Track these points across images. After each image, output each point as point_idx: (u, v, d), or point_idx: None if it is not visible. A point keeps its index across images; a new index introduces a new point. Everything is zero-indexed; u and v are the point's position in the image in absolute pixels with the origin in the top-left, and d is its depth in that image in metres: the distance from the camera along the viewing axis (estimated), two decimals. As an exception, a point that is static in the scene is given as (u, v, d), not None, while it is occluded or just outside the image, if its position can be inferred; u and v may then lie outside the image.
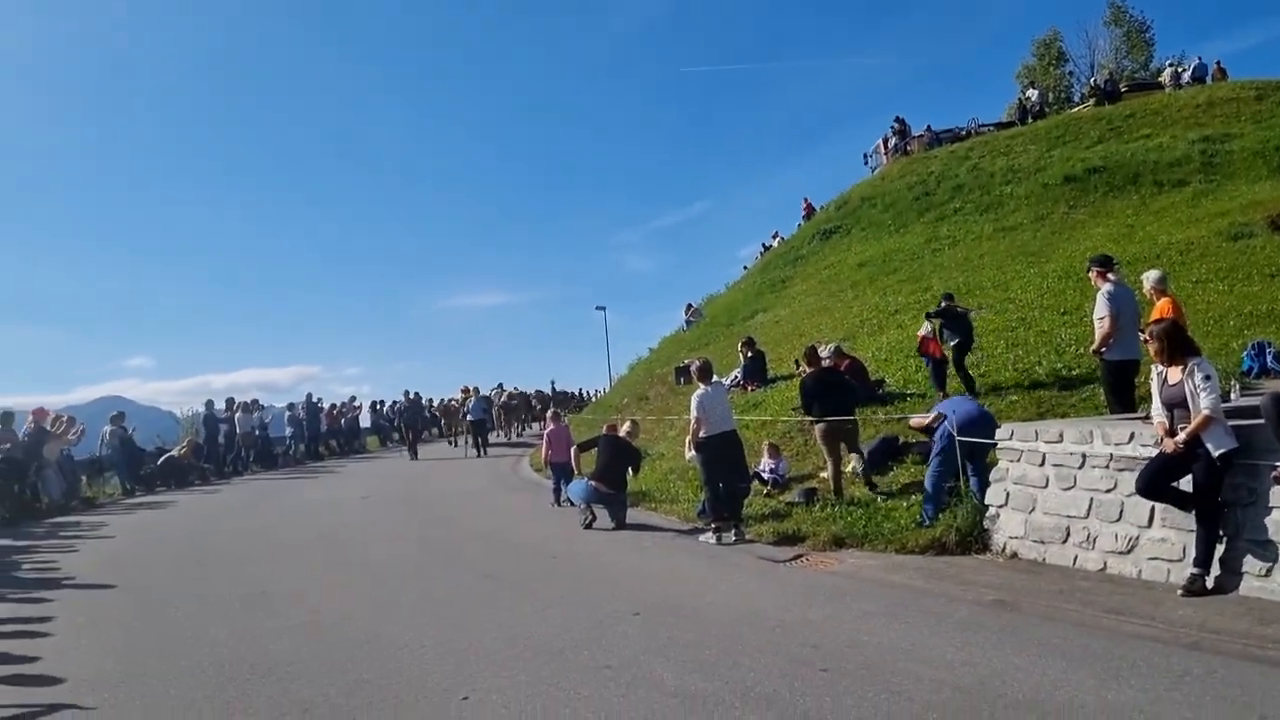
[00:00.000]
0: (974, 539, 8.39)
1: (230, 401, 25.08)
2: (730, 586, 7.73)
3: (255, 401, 25.55)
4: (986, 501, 8.49)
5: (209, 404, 24.73)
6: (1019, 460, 8.17)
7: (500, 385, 31.94)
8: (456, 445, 27.74)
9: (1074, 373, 11.77)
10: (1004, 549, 8.11)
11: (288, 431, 27.66)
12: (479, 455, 24.29)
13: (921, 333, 13.38)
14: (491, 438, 26.72)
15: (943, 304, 13.70)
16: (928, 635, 5.83)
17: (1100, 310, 9.04)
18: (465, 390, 27.29)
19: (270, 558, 10.39)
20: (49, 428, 17.18)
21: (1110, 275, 9.25)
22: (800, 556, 8.88)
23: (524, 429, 32.32)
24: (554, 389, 40.03)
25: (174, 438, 25.25)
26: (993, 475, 8.55)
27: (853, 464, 11.17)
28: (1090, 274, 9.63)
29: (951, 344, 12.93)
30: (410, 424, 26.72)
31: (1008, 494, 8.24)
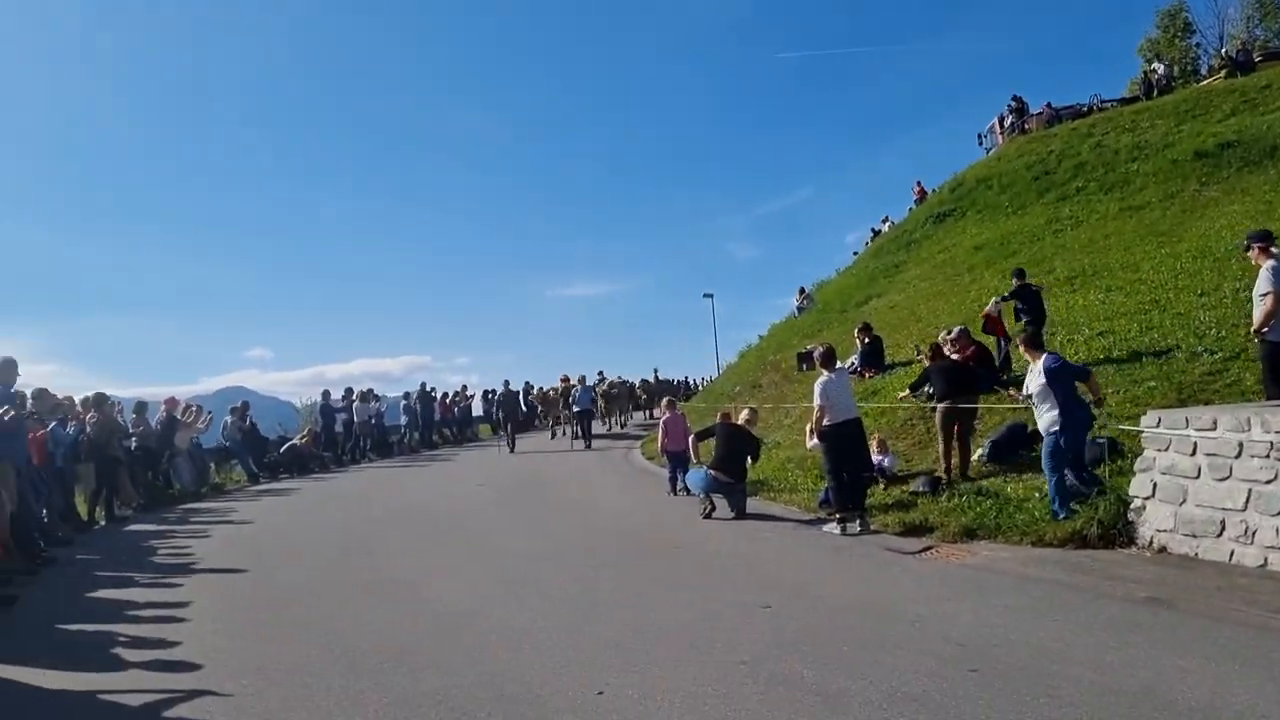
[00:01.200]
0: (1118, 532, 8.00)
1: (348, 391, 25.68)
2: (860, 578, 7.53)
3: (371, 391, 26.06)
4: (1131, 493, 8.08)
5: (325, 394, 25.41)
6: (1167, 449, 7.73)
7: (601, 374, 31.23)
8: (555, 437, 27.57)
9: (1215, 356, 11.15)
10: (1151, 543, 7.71)
11: (403, 420, 28.15)
12: (585, 447, 23.82)
13: (987, 310, 13.52)
14: (594, 428, 25.96)
15: (1015, 283, 13.71)
16: (1080, 634, 5.53)
17: (1263, 286, 8.44)
18: (564, 379, 27.08)
19: (393, 545, 10.52)
20: (180, 416, 17.79)
21: (1274, 250, 8.66)
22: (930, 548, 8.62)
23: (627, 419, 32.20)
24: (657, 377, 39.81)
25: (293, 426, 25.95)
26: (1137, 465, 8.14)
27: (979, 452, 10.85)
28: (1250, 251, 9.00)
29: (1024, 322, 12.95)
30: (508, 415, 26.12)
31: (1154, 485, 7.81)
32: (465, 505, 13.93)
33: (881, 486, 11.04)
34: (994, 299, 14.05)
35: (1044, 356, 8.86)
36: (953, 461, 10.67)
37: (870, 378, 16.39)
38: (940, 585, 7.08)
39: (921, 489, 10.39)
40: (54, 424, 12.75)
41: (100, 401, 14.39)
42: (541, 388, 30.92)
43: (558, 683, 5.14)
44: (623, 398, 32.41)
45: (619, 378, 33.42)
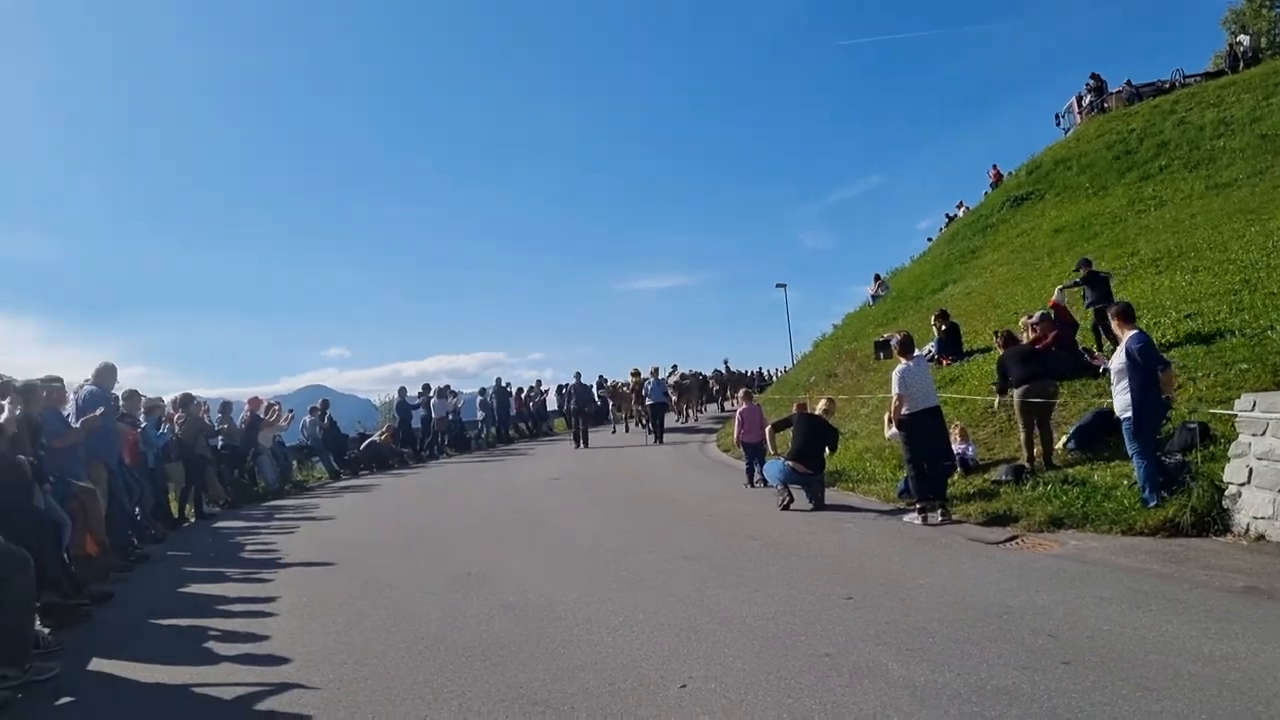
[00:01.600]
0: (1212, 519, 7.75)
1: (425, 388, 26.04)
2: (944, 569, 7.38)
3: (448, 387, 26.38)
4: (1225, 479, 7.82)
5: (401, 391, 25.82)
6: (1264, 433, 7.47)
7: (674, 366, 30.97)
8: (629, 430, 27.48)
9: (1313, 336, 10.72)
10: (1248, 530, 7.46)
11: (479, 416, 28.47)
12: (657, 441, 23.42)
13: (1055, 299, 13.40)
14: (666, 421, 25.64)
15: (1083, 271, 13.95)
16: (1177, 625, 5.37)
17: None
18: (634, 373, 26.74)
19: (473, 538, 10.61)
20: (263, 415, 18.20)
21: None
22: (1015, 538, 8.46)
23: (700, 411, 32.07)
24: (728, 368, 39.64)
25: (372, 423, 26.38)
26: (1232, 450, 7.88)
27: (1064, 439, 10.61)
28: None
29: (1091, 308, 13.27)
30: (579, 409, 25.16)
31: (1250, 470, 7.55)
32: (542, 499, 14.03)
33: (961, 475, 10.85)
34: (1058, 287, 14.02)
35: (1131, 333, 8.54)
36: (1035, 449, 10.44)
37: (948, 365, 16.13)
38: (1027, 576, 6.92)
39: (1004, 478, 10.18)
40: (146, 424, 13.12)
41: (187, 402, 14.79)
42: (615, 381, 30.52)
43: (639, 675, 5.13)
44: (695, 390, 32.17)
45: (691, 370, 33.40)
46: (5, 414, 6.96)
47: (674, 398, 28.78)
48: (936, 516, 9.47)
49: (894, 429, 10.23)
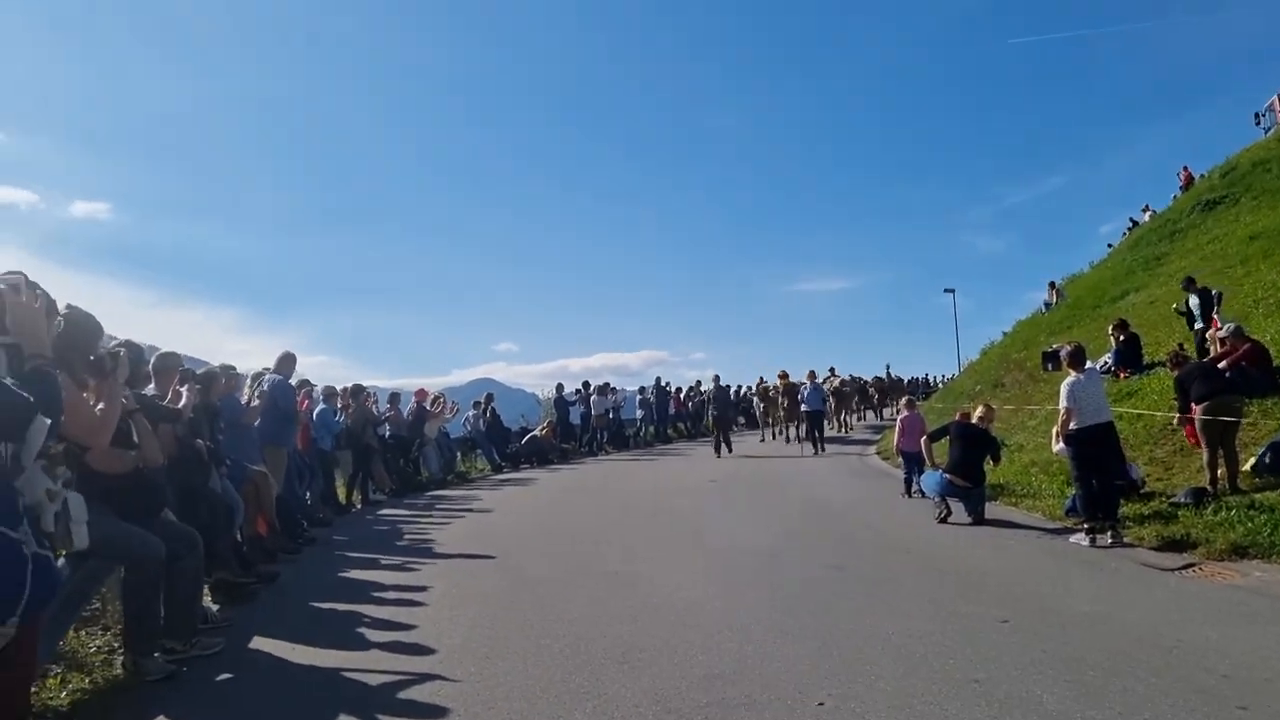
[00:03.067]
0: None
1: (585, 385, 26.42)
2: (1110, 595, 6.94)
3: (608, 385, 26.70)
4: None
5: (559, 387, 26.31)
6: None
7: (832, 370, 29.95)
8: (774, 438, 26.68)
9: None
10: None
11: (638, 414, 28.71)
12: (816, 451, 21.88)
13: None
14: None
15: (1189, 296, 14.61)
16: (1375, 674, 4.88)
17: None
18: (782, 375, 25.54)
19: (624, 537, 10.66)
20: (429, 407, 18.81)
21: None
22: (1192, 565, 7.91)
23: (859, 418, 31.22)
24: (889, 374, 38.67)
25: (535, 418, 26.96)
26: None
27: (1251, 461, 9.89)
28: None
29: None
30: (721, 415, 23.52)
31: None
32: (696, 500, 14.00)
33: (1134, 496, 10.25)
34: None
35: None
36: (1219, 471, 9.75)
37: (1126, 378, 15.29)
38: (1203, 608, 6.44)
39: (1183, 500, 9.55)
40: (323, 408, 13.75)
41: (357, 393, 15.43)
42: (764, 384, 29.04)
43: (777, 689, 4.99)
44: (852, 395, 31.28)
45: (849, 374, 32.52)
46: (185, 400, 7.36)
47: (831, 404, 27.49)
48: (1106, 538, 8.95)
49: (1061, 444, 9.75)
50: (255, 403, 9.91)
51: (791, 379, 24.81)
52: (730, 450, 22.64)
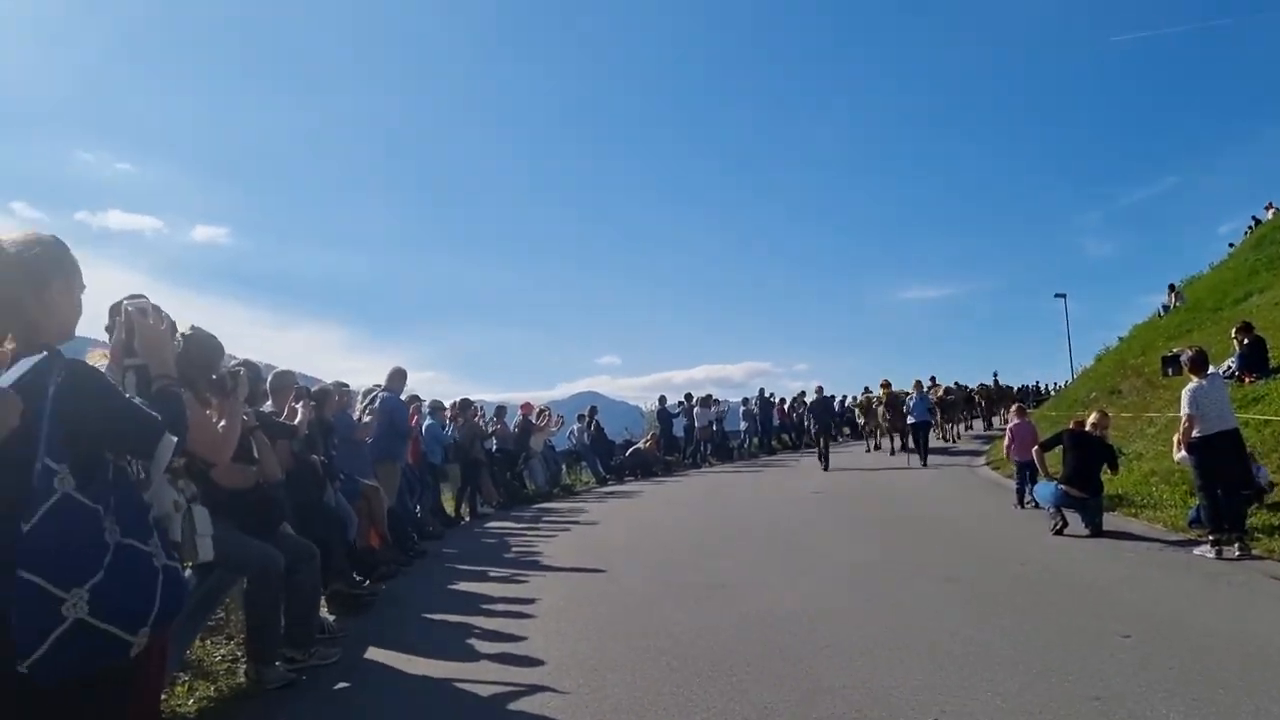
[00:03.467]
0: None
1: (687, 396, 26.45)
2: (1239, 611, 6.64)
3: (711, 397, 26.66)
4: None
5: (661, 399, 26.39)
6: None
7: (933, 379, 28.51)
8: (876, 450, 25.96)
9: None
10: None
11: (742, 426, 28.59)
12: (922, 465, 20.94)
13: None
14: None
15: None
16: None
17: None
18: (885, 384, 24.16)
19: (728, 549, 10.61)
20: (534, 420, 19.06)
21: None
22: (1327, 579, 7.53)
23: (966, 427, 30.45)
24: (996, 382, 37.56)
25: (639, 430, 27.09)
26: None
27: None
28: None
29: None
30: (823, 426, 22.87)
31: None
32: (800, 513, 13.87)
33: (1262, 506, 9.80)
34: None
35: None
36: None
37: (1251, 383, 14.64)
38: (1340, 625, 6.14)
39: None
40: (431, 422, 14.05)
41: (465, 407, 15.71)
42: (868, 394, 27.88)
43: (888, 704, 4.90)
44: (957, 405, 30.41)
45: (954, 383, 31.69)
46: (300, 416, 7.60)
47: (937, 413, 26.47)
48: (1233, 550, 8.56)
49: (1183, 452, 9.38)
50: (367, 419, 10.17)
51: (894, 389, 23.78)
52: (828, 466, 21.57)
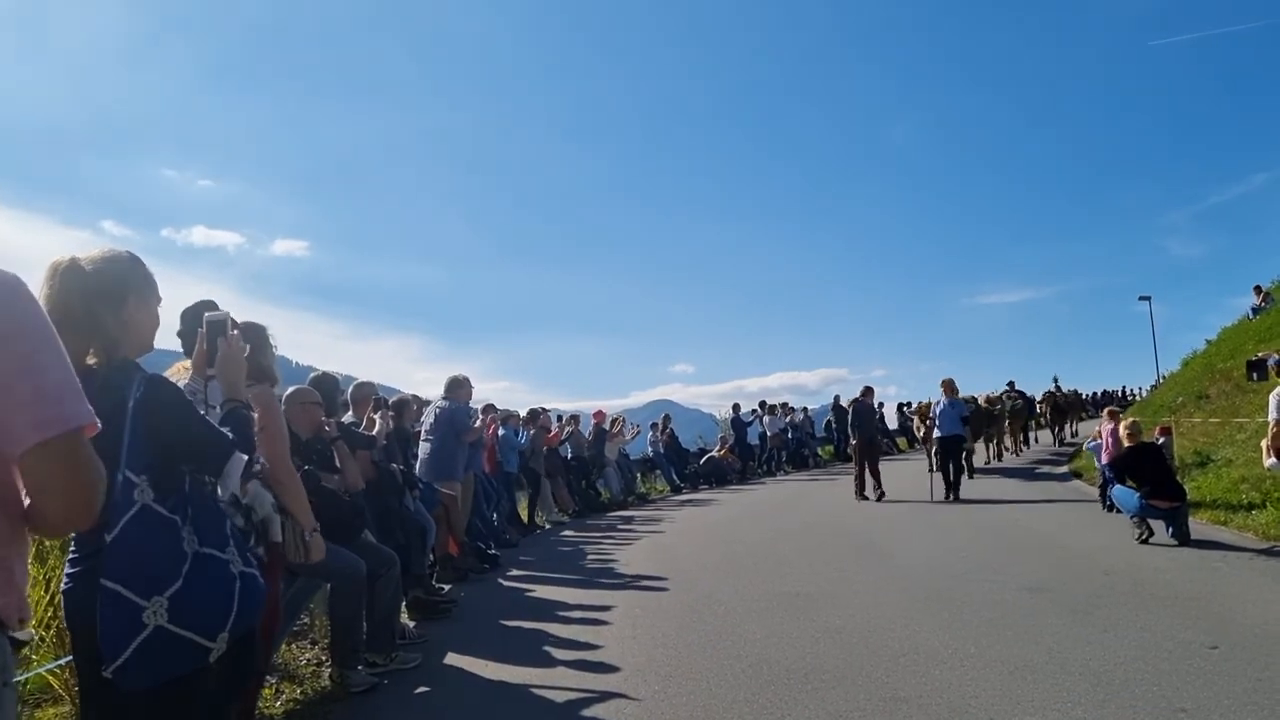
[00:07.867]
0: None
1: (762, 404, 26.34)
2: (1335, 623, 6.45)
3: (786, 405, 26.53)
4: None
5: (735, 407, 26.25)
6: None
7: (1010, 384, 26.06)
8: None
9: None
10: None
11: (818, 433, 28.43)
12: (947, 496, 15.97)
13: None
14: (983, 452, 20.75)
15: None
16: None
17: None
18: (946, 385, 17.14)
19: (804, 558, 10.55)
20: (608, 428, 19.16)
21: None
22: None
23: (1028, 442, 27.65)
24: (1058, 387, 34.71)
25: (713, 438, 27.04)
26: None
27: None
28: None
29: None
30: (866, 440, 17.31)
31: None
32: (875, 520, 13.78)
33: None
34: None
35: None
36: None
37: (1343, 387, 14.13)
38: None
39: None
40: (505, 431, 14.22)
41: (535, 416, 15.86)
42: (927, 400, 20.75)
43: (965, 714, 4.84)
44: (1004, 418, 24.48)
45: (1008, 387, 26.11)
46: (379, 426, 7.77)
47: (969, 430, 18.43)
48: (1327, 559, 8.30)
49: (1273, 458, 9.10)
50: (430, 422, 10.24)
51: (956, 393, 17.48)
52: (870, 489, 16.94)
